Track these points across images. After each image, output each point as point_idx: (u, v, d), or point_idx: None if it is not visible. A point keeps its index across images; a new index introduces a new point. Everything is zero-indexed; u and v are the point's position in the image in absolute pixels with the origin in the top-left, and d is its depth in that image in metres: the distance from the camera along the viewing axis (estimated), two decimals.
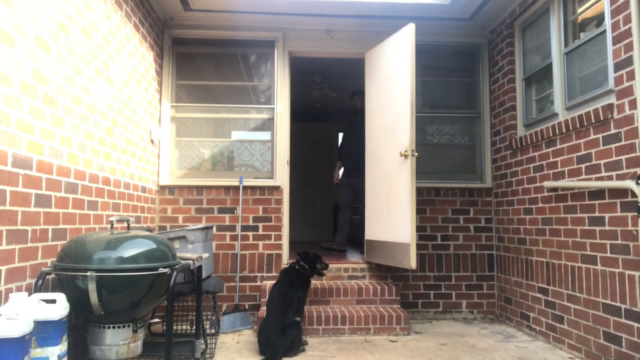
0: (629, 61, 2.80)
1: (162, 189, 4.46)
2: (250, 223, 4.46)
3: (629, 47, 2.79)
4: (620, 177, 2.86)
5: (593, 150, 3.12)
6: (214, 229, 4.41)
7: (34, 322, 1.96)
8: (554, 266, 3.57)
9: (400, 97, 3.99)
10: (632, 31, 2.75)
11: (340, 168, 5.77)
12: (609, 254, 2.97)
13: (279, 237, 4.47)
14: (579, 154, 3.26)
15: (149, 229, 3.60)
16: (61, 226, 2.62)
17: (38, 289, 2.23)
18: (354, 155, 5.24)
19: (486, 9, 4.34)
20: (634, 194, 2.72)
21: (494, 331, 4.03)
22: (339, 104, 7.92)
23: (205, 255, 2.96)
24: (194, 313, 3.25)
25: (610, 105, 2.93)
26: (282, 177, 4.52)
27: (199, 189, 4.47)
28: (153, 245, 2.42)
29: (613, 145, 2.93)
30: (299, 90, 6.96)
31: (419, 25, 4.44)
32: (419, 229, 4.56)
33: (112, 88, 3.32)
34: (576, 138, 3.30)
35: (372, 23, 4.60)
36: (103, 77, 3.17)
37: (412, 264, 3.76)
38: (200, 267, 3.00)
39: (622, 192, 2.85)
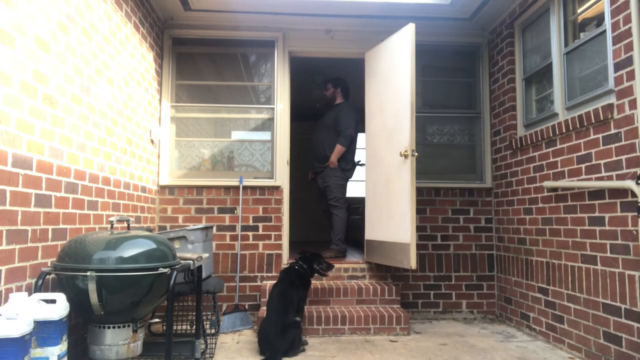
0: (629, 61, 2.80)
1: (162, 189, 4.46)
2: (250, 223, 4.46)
3: (629, 47, 2.79)
4: (620, 177, 2.86)
5: (593, 150, 3.12)
6: (214, 229, 4.41)
7: (34, 322, 1.96)
8: (554, 266, 3.57)
9: (400, 97, 3.99)
10: (632, 31, 2.75)
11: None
12: (609, 254, 2.97)
13: (279, 237, 4.47)
14: (579, 154, 3.26)
15: (149, 229, 3.60)
16: (61, 226, 2.62)
17: (38, 289, 2.23)
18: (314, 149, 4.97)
19: (486, 9, 4.34)
20: (634, 194, 2.72)
21: (494, 331, 4.03)
22: None
23: (205, 255, 2.96)
24: (194, 313, 3.25)
25: (610, 105, 2.93)
26: (282, 177, 4.52)
27: (199, 189, 4.47)
28: (153, 245, 2.42)
29: (613, 145, 2.93)
30: (299, 90, 6.95)
31: (419, 25, 4.44)
32: (419, 229, 4.56)
33: (112, 88, 3.32)
34: (576, 138, 3.30)
35: (372, 23, 4.60)
36: (103, 77, 3.17)
37: (412, 264, 3.76)
38: (200, 267, 3.00)
39: (622, 192, 2.85)
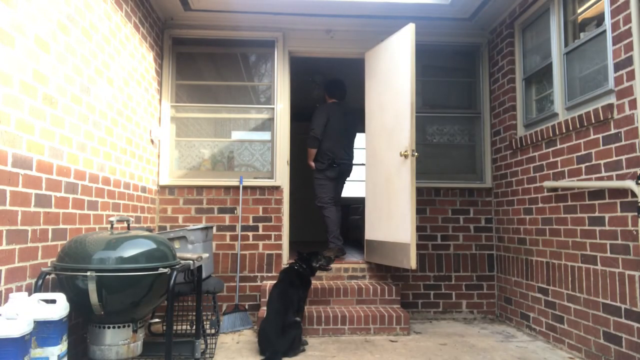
0: (629, 61, 2.80)
1: (162, 189, 4.46)
2: (250, 223, 4.46)
3: (629, 47, 2.79)
4: (620, 177, 2.86)
5: (593, 150, 3.12)
6: (214, 229, 4.41)
7: (34, 322, 1.96)
8: (554, 266, 3.57)
9: (400, 97, 3.99)
10: (632, 31, 2.75)
11: None
12: (609, 254, 2.97)
13: (279, 237, 4.47)
14: (579, 154, 3.26)
15: (149, 229, 3.60)
16: (61, 226, 2.62)
17: (38, 289, 2.23)
18: None
19: (486, 9, 4.34)
20: (634, 194, 2.72)
21: (494, 331, 4.03)
22: None
23: (205, 255, 2.96)
24: (194, 313, 3.25)
25: (610, 105, 2.93)
26: (282, 177, 4.52)
27: (199, 189, 4.47)
28: (153, 245, 2.42)
29: (613, 145, 2.93)
30: (299, 90, 6.95)
31: (419, 25, 4.44)
32: (419, 229, 4.56)
33: (112, 88, 3.32)
34: (576, 138, 3.30)
35: (372, 23, 4.60)
36: (103, 77, 3.17)
37: (412, 264, 3.76)
38: (200, 267, 3.00)
39: (622, 192, 2.85)
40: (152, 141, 4.23)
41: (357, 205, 7.83)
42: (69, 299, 2.22)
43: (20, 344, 1.80)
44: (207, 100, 4.68)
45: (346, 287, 4.14)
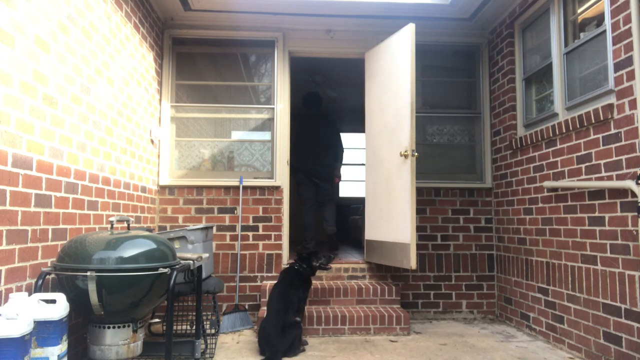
0: (629, 61, 2.80)
1: (162, 189, 4.46)
2: (250, 223, 4.46)
3: (629, 47, 2.79)
4: (620, 177, 2.86)
5: (593, 150, 3.12)
6: (214, 229, 4.41)
7: (34, 322, 1.96)
8: (554, 266, 3.57)
9: (400, 97, 3.99)
10: (632, 31, 2.75)
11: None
12: (609, 254, 2.97)
13: (279, 237, 4.47)
14: (579, 154, 3.26)
15: (149, 229, 3.60)
16: (61, 226, 2.63)
17: (38, 289, 2.23)
18: None
19: (486, 9, 4.34)
20: (634, 194, 2.72)
21: (494, 331, 4.03)
22: (339, 104, 7.92)
23: (205, 255, 2.96)
24: (194, 313, 3.25)
25: (610, 105, 2.93)
26: (282, 177, 4.52)
27: (199, 189, 4.47)
28: (153, 246, 2.42)
29: (613, 145, 2.93)
30: (299, 90, 6.96)
31: (419, 25, 4.44)
32: (419, 229, 4.56)
33: (112, 88, 3.32)
34: (576, 138, 3.30)
35: (372, 23, 4.60)
36: (103, 77, 3.17)
37: (412, 264, 3.76)
38: (200, 267, 3.00)
39: (622, 192, 2.85)
40: (152, 141, 4.23)
41: (357, 205, 7.84)
42: (69, 299, 2.22)
43: (20, 344, 1.80)
44: (207, 100, 4.68)
45: (346, 287, 4.14)
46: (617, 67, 2.90)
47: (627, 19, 2.81)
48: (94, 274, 2.20)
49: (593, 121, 3.08)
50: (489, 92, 4.74)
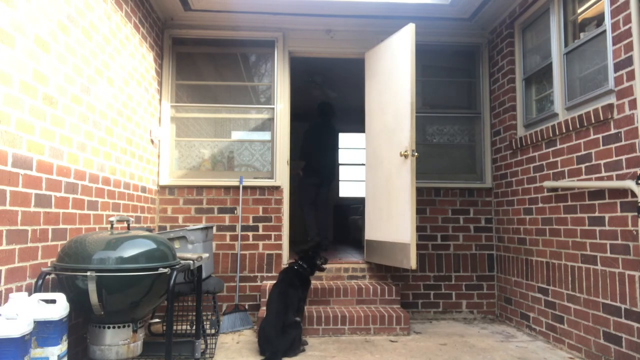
0: (629, 61, 2.80)
1: (162, 189, 4.46)
2: (250, 223, 4.46)
3: (629, 47, 2.79)
4: (620, 177, 2.86)
5: (593, 150, 3.12)
6: (214, 229, 4.41)
7: (34, 322, 1.96)
8: (554, 266, 3.57)
9: (400, 97, 3.99)
10: (632, 31, 2.75)
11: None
12: (609, 254, 2.97)
13: (279, 237, 4.47)
14: (579, 154, 3.26)
15: (149, 229, 3.60)
16: (61, 226, 2.63)
17: (38, 289, 2.23)
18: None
19: (486, 9, 4.34)
20: (634, 194, 2.72)
21: (494, 331, 4.03)
22: (339, 104, 7.92)
23: (205, 255, 2.96)
24: (194, 313, 3.25)
25: (610, 105, 2.93)
26: (282, 177, 4.52)
27: (199, 189, 4.47)
28: (153, 246, 2.42)
29: (613, 145, 2.93)
30: (299, 90, 6.96)
31: (419, 25, 4.44)
32: (419, 229, 4.56)
33: (112, 88, 3.32)
34: (576, 138, 3.30)
35: (372, 23, 4.60)
36: (103, 77, 3.17)
37: (412, 264, 3.76)
38: (200, 267, 3.00)
39: (622, 192, 2.85)
40: (152, 141, 4.23)
41: (357, 205, 7.84)
42: (69, 299, 2.22)
43: (20, 344, 1.80)
44: (207, 100, 4.68)
45: (346, 287, 4.14)
46: (617, 67, 2.90)
47: (627, 19, 2.81)
48: (94, 274, 2.20)
49: (593, 121, 3.08)
50: (489, 92, 4.74)
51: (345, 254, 5.46)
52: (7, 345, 1.77)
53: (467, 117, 4.82)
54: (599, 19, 3.21)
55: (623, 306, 2.84)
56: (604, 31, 3.08)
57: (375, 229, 4.36)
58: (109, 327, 2.36)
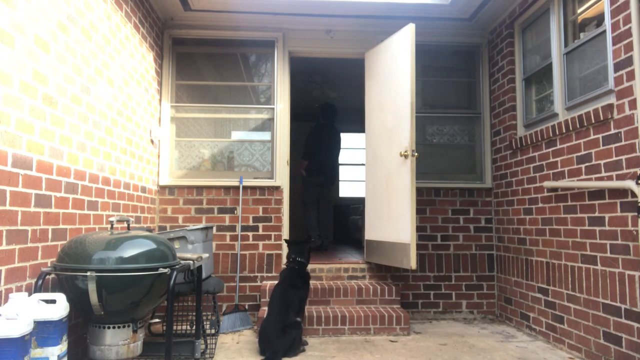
0: (629, 61, 2.80)
1: (162, 189, 4.46)
2: (250, 223, 4.46)
3: (629, 47, 2.79)
4: (620, 177, 2.86)
5: (593, 151, 3.12)
6: (214, 229, 4.41)
7: (34, 322, 1.96)
8: (554, 266, 3.57)
9: (400, 97, 3.99)
10: (632, 31, 2.76)
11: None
12: (609, 254, 2.97)
13: (279, 237, 4.47)
14: (579, 154, 3.26)
15: (149, 229, 3.60)
16: (61, 226, 2.62)
17: (38, 289, 2.23)
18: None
19: (486, 9, 4.34)
20: (634, 194, 2.72)
21: (494, 331, 4.03)
22: (339, 104, 7.92)
23: (205, 255, 2.96)
24: (194, 313, 3.25)
25: (610, 106, 2.93)
26: (282, 177, 4.52)
27: (199, 189, 4.47)
28: (153, 246, 2.42)
29: (613, 146, 2.93)
30: (299, 90, 6.96)
31: (419, 25, 4.45)
32: (419, 229, 4.56)
33: (112, 88, 3.32)
34: (576, 138, 3.30)
35: (372, 23, 4.60)
36: (103, 77, 3.17)
37: (412, 264, 3.76)
38: (200, 267, 3.00)
39: (622, 192, 2.85)
40: (152, 141, 4.23)
41: (357, 205, 7.84)
42: (69, 299, 2.22)
43: (20, 344, 1.80)
44: (207, 101, 4.68)
45: (346, 287, 4.14)
46: (617, 67, 2.90)
47: (627, 19, 2.81)
48: (94, 274, 2.20)
49: (593, 121, 3.08)
50: (489, 92, 4.74)
51: (345, 254, 5.46)
52: (7, 345, 1.77)
53: (467, 117, 4.82)
54: (599, 19, 3.21)
55: (623, 306, 2.84)
56: (604, 31, 3.08)
57: (375, 229, 4.36)
58: (109, 327, 2.36)
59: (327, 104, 6.10)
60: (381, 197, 4.26)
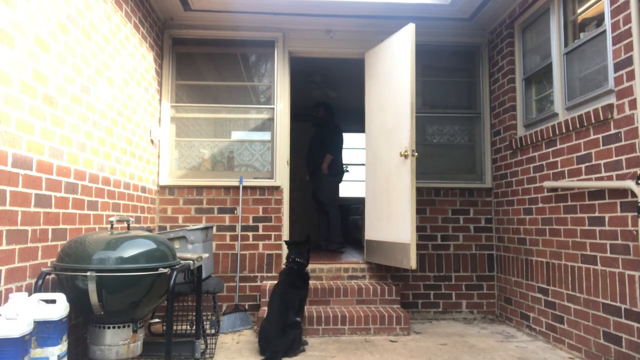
0: (629, 61, 2.80)
1: (162, 189, 4.46)
2: (250, 223, 4.46)
3: (629, 47, 2.79)
4: (620, 177, 2.86)
5: (593, 151, 3.12)
6: (214, 229, 4.41)
7: (34, 322, 1.96)
8: (554, 266, 3.57)
9: (400, 97, 3.99)
10: (632, 31, 2.75)
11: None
12: (609, 254, 2.97)
13: (279, 237, 4.47)
14: (579, 154, 3.26)
15: (149, 229, 3.60)
16: (61, 226, 2.62)
17: (38, 289, 2.23)
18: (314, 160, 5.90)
19: (486, 9, 4.34)
20: (634, 194, 2.72)
21: (494, 331, 4.03)
22: (339, 104, 7.93)
23: (205, 255, 2.96)
24: (194, 313, 3.25)
25: (610, 106, 2.93)
26: (282, 177, 4.52)
27: (199, 189, 4.47)
28: (153, 246, 2.42)
29: (613, 146, 2.93)
30: (299, 90, 6.96)
31: (419, 25, 4.44)
32: (419, 229, 4.56)
33: (112, 88, 3.32)
34: (576, 138, 3.30)
35: (372, 23, 4.60)
36: (103, 77, 3.17)
37: (412, 264, 3.76)
38: (200, 267, 3.00)
39: (622, 192, 2.85)
40: (152, 141, 4.23)
41: (357, 205, 7.83)
42: (69, 299, 2.22)
43: (20, 344, 1.80)
44: (207, 101, 4.68)
45: (346, 287, 4.14)
46: (617, 67, 2.90)
47: (627, 19, 2.81)
48: (94, 274, 2.20)
49: (593, 121, 3.08)
50: (489, 92, 4.74)
51: (345, 254, 5.46)
52: (7, 345, 1.77)
53: (467, 117, 4.82)
54: (599, 19, 3.21)
55: (623, 306, 2.84)
56: (604, 31, 3.08)
57: (375, 229, 4.36)
58: (109, 327, 2.36)
59: (320, 104, 6.08)
60: (381, 197, 4.26)
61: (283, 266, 4.33)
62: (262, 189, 4.49)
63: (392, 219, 4.06)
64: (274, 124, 4.60)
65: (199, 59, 4.75)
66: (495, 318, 4.53)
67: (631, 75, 2.78)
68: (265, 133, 4.67)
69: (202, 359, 3.09)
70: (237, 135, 4.71)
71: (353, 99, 7.51)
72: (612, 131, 2.94)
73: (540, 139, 3.72)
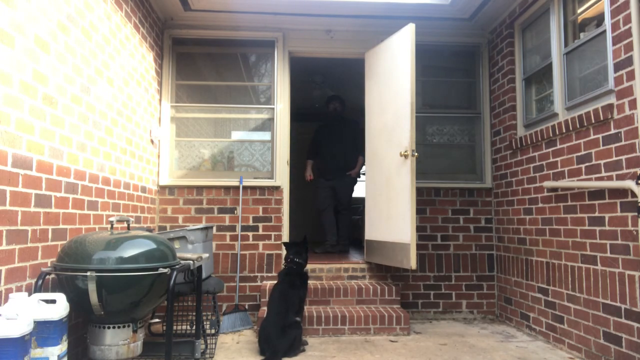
0: (629, 61, 2.80)
1: (162, 189, 4.46)
2: (250, 223, 4.46)
3: (629, 47, 2.79)
4: (620, 177, 2.86)
5: (593, 150, 3.12)
6: (214, 229, 4.41)
7: (34, 322, 1.96)
8: (554, 266, 3.57)
9: (400, 97, 4.00)
10: (632, 31, 2.75)
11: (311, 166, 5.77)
12: (609, 254, 2.97)
13: (279, 237, 4.47)
14: (579, 154, 3.26)
15: (149, 229, 3.60)
16: (61, 226, 2.62)
17: (38, 289, 2.23)
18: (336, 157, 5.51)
19: (486, 9, 4.34)
20: (634, 194, 2.72)
21: (494, 331, 4.03)
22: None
23: (205, 255, 2.96)
24: (194, 313, 3.25)
25: (610, 106, 2.93)
26: (282, 177, 4.52)
27: (199, 189, 4.47)
28: (153, 246, 2.42)
29: (613, 145, 2.93)
30: (299, 90, 6.96)
31: (419, 25, 4.44)
32: (419, 229, 4.56)
33: (112, 88, 3.32)
34: (576, 138, 3.30)
35: (372, 23, 4.60)
36: (103, 77, 3.17)
37: (412, 264, 3.76)
38: (200, 267, 3.00)
39: (622, 192, 2.85)
40: (152, 141, 4.23)
41: (357, 205, 7.83)
42: (69, 299, 2.22)
43: (20, 344, 1.80)
44: (207, 101, 4.68)
45: (346, 287, 4.14)
46: (617, 67, 2.90)
47: (627, 19, 2.81)
48: (94, 274, 2.20)
49: (593, 121, 3.08)
50: (489, 92, 4.74)
51: (345, 254, 5.45)
52: (7, 345, 1.77)
53: (467, 117, 4.82)
54: (599, 19, 3.21)
55: (623, 306, 2.84)
56: (604, 31, 3.08)
57: (375, 229, 4.36)
58: (109, 327, 2.36)
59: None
60: (381, 197, 4.26)
61: (282, 266, 4.34)
62: (262, 189, 4.49)
63: (392, 219, 4.06)
64: (274, 124, 4.60)
65: (199, 59, 4.75)
66: (495, 318, 4.53)
67: (631, 75, 2.78)
68: (265, 133, 4.67)
69: (202, 359, 3.09)
70: (237, 135, 4.71)
71: (353, 99, 7.51)
72: (612, 131, 2.94)
73: (540, 139, 3.72)
